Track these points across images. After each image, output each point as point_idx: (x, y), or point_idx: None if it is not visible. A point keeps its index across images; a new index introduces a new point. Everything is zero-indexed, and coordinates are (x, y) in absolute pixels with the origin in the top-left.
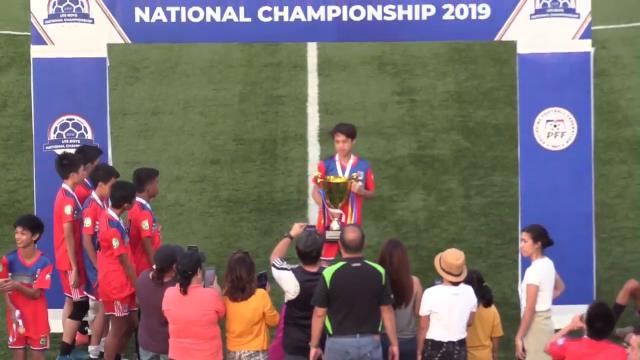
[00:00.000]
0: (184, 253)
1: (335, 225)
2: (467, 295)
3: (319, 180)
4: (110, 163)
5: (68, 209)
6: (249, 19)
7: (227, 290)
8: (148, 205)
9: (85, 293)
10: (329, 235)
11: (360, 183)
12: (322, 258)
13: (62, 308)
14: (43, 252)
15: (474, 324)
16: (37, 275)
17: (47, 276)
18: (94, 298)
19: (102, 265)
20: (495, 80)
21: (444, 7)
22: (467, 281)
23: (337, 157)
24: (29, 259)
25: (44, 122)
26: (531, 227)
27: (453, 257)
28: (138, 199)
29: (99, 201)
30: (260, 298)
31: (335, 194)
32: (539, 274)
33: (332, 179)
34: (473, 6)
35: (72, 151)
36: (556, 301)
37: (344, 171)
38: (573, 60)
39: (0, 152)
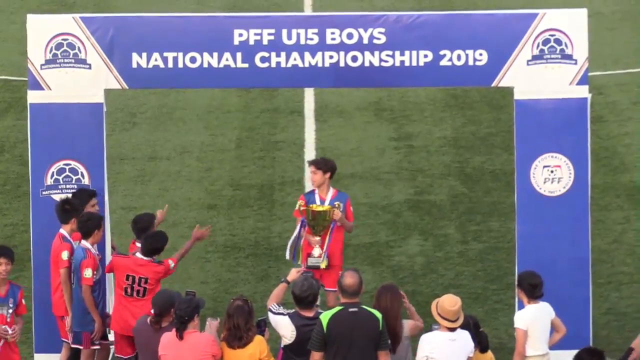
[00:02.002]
0: (182, 298)
1: (316, 251)
2: (463, 340)
3: (301, 209)
4: (107, 208)
5: (65, 255)
6: (246, 65)
7: (225, 337)
8: None
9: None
10: (310, 262)
11: (341, 213)
12: None
13: (59, 353)
14: (10, 280)
15: None
16: (10, 305)
17: (23, 301)
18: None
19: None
20: (492, 126)
21: (441, 53)
22: (463, 326)
23: (316, 191)
24: (2, 288)
25: (41, 167)
26: (519, 274)
27: (449, 303)
28: (138, 244)
29: (93, 250)
30: (257, 344)
31: (318, 222)
32: (527, 318)
33: (315, 207)
34: (470, 52)
35: (69, 196)
36: (552, 346)
37: (323, 203)
38: (570, 106)
39: None
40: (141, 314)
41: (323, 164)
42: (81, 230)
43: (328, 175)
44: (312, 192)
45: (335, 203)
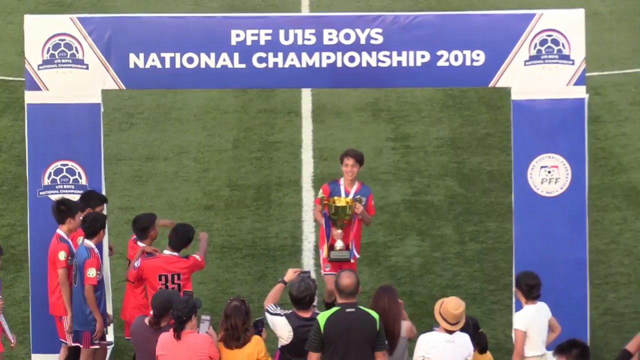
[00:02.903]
0: (179, 299)
1: (338, 244)
2: (461, 343)
3: (324, 203)
4: (105, 209)
5: (62, 255)
6: (243, 65)
7: (222, 337)
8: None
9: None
10: (332, 255)
11: (362, 206)
12: (328, 272)
13: (56, 353)
14: None
15: None
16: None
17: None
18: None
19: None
20: (489, 126)
21: (439, 53)
22: (463, 328)
23: (341, 181)
24: None
25: (38, 168)
26: (517, 275)
27: (453, 305)
28: (140, 244)
29: (97, 249)
30: (255, 345)
31: (339, 216)
32: (526, 319)
33: (337, 200)
34: (467, 53)
35: (68, 197)
36: (550, 346)
37: (347, 195)
38: (567, 106)
39: None
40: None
41: (361, 157)
42: (87, 229)
43: (361, 168)
44: (337, 182)
45: (357, 197)
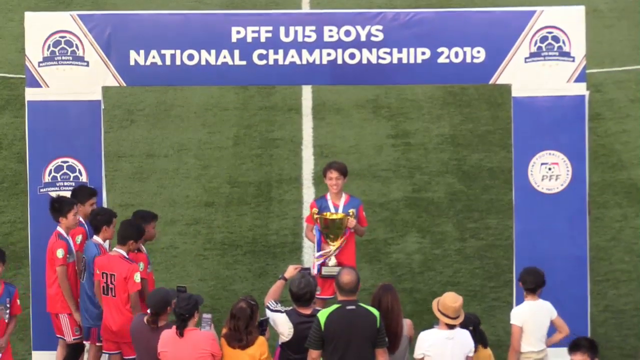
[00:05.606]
0: (181, 296)
1: (331, 261)
2: (462, 339)
3: (315, 217)
4: (105, 205)
5: (60, 253)
6: (243, 62)
7: (225, 335)
8: (143, 248)
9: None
10: (325, 271)
11: (355, 220)
12: (319, 297)
13: (55, 350)
14: (5, 280)
15: None
16: (8, 305)
17: (18, 302)
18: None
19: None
20: (490, 123)
21: (439, 50)
22: (464, 325)
23: (328, 196)
24: None
25: (39, 165)
26: (522, 269)
27: (451, 299)
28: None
29: (106, 245)
30: (258, 346)
31: (332, 231)
32: (522, 315)
33: (329, 215)
34: (468, 49)
35: (67, 193)
36: (555, 346)
37: (336, 209)
38: (568, 103)
39: None
40: (117, 315)
41: (345, 169)
42: (91, 224)
43: (346, 179)
44: (324, 197)
45: (350, 211)
